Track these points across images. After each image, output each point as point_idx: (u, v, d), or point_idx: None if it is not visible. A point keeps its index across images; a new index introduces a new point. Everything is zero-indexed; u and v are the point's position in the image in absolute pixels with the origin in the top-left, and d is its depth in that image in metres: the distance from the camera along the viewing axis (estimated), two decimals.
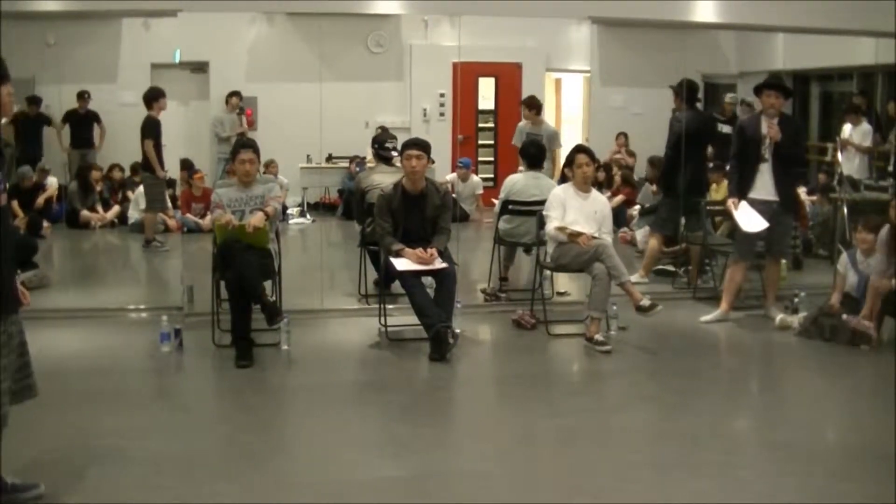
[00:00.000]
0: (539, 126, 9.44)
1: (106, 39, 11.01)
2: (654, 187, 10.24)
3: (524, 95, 12.79)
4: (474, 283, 8.58)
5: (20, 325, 4.18)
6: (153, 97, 9.80)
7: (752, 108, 9.77)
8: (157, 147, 9.93)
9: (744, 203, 7.26)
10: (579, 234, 6.84)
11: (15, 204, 9.99)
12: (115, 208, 11.40)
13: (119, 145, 10.83)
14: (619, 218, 10.31)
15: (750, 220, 7.19)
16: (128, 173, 11.30)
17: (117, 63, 11.20)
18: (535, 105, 9.54)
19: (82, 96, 10.87)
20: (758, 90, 7.34)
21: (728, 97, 10.96)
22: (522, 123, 9.62)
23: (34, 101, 10.84)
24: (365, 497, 4.26)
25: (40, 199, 10.96)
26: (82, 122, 11.07)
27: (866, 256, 6.96)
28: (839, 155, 10.63)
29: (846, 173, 10.28)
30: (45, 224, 10.93)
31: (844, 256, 7.18)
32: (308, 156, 11.90)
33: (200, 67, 11.71)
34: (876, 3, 8.54)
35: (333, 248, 10.98)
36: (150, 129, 9.84)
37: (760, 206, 7.23)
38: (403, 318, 7.03)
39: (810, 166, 11.23)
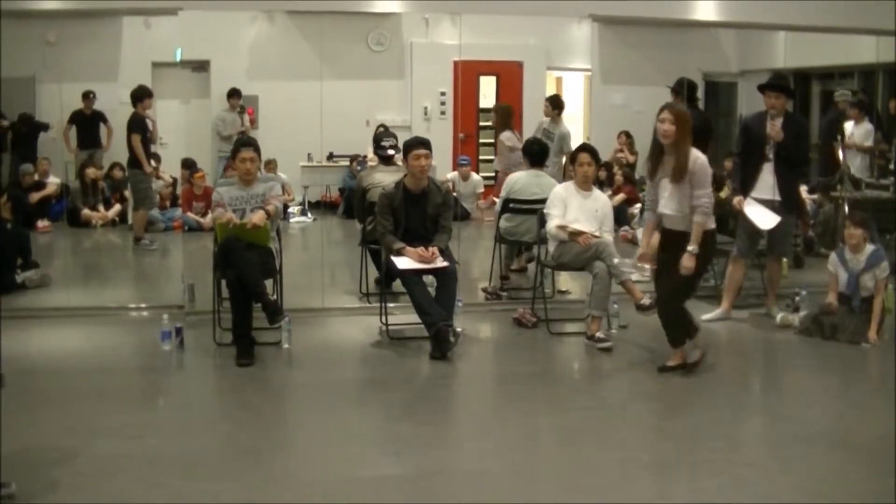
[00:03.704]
0: (558, 125, 9.67)
1: (107, 38, 11.02)
2: None
3: (525, 94, 12.89)
4: (475, 281, 8.58)
5: None
6: (139, 96, 9.82)
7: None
8: (145, 143, 9.94)
9: (750, 200, 7.26)
10: (580, 232, 6.84)
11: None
12: (116, 207, 11.41)
13: (120, 144, 10.82)
14: (620, 216, 10.30)
15: (762, 216, 7.19)
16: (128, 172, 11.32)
17: (118, 62, 11.21)
18: (557, 104, 9.81)
19: (87, 96, 10.88)
20: (761, 90, 7.35)
21: (838, 94, 10.82)
22: (545, 119, 9.83)
23: (29, 120, 10.85)
24: (366, 495, 4.27)
25: (35, 197, 10.96)
26: (89, 123, 11.08)
27: (855, 253, 6.96)
28: (840, 154, 10.62)
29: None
30: (46, 223, 10.95)
31: (833, 255, 7.19)
32: (309, 154, 11.91)
33: (201, 66, 11.72)
34: (876, 1, 8.54)
35: (334, 246, 10.99)
36: (137, 125, 9.87)
37: (762, 205, 7.24)
38: (404, 316, 7.04)
39: (811, 165, 11.23)
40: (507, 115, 9.62)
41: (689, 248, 5.78)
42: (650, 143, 6.03)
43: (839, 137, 9.90)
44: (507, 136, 9.42)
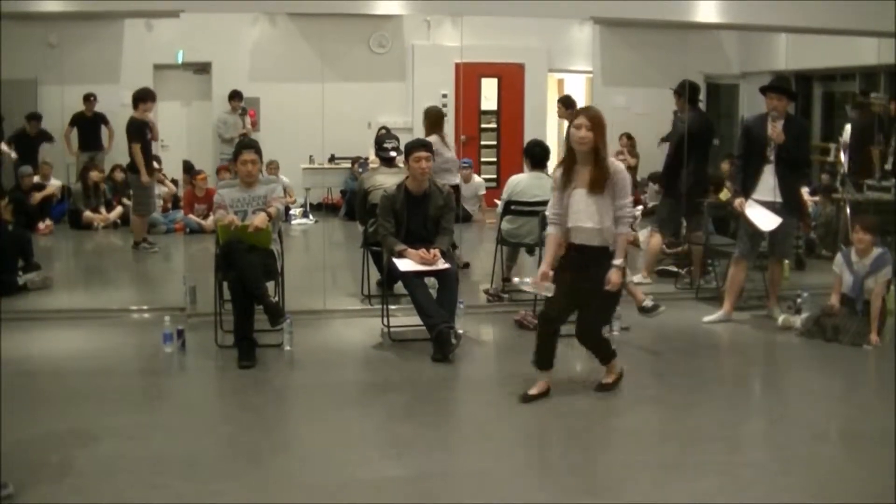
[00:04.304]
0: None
1: (108, 40, 11.04)
2: (657, 186, 10.26)
3: (527, 96, 12.90)
4: (477, 283, 8.59)
5: None
6: (140, 98, 9.74)
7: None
8: (145, 149, 9.92)
9: (751, 202, 7.27)
10: None
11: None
12: (118, 209, 11.43)
13: (121, 146, 10.84)
14: None
15: (763, 218, 7.20)
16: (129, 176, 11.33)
17: (119, 64, 11.22)
18: (570, 104, 9.82)
19: (88, 99, 10.88)
20: (763, 92, 7.35)
21: (874, 96, 10.80)
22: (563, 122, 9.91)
23: (34, 117, 10.85)
24: (367, 497, 4.26)
25: (37, 197, 10.97)
26: (90, 125, 11.09)
27: (861, 257, 6.96)
28: (842, 155, 10.63)
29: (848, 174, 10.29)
30: (48, 222, 10.96)
31: (839, 257, 7.20)
32: (311, 156, 11.92)
33: (203, 68, 11.73)
34: (877, 3, 8.54)
35: (336, 248, 10.99)
36: (136, 132, 9.82)
37: (763, 207, 7.25)
38: (406, 318, 7.04)
39: (812, 166, 11.24)
40: (432, 118, 9.34)
41: (616, 262, 5.35)
42: (565, 150, 5.51)
43: (840, 139, 9.92)
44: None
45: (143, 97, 9.77)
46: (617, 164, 5.41)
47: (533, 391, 5.53)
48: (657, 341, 7.02)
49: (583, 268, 5.41)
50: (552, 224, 5.52)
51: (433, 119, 9.30)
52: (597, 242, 5.38)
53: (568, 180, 5.39)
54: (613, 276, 5.35)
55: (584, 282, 5.39)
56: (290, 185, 11.54)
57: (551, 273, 5.44)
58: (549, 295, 5.44)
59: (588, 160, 5.32)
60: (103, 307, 7.78)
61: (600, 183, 5.28)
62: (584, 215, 5.34)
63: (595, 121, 5.32)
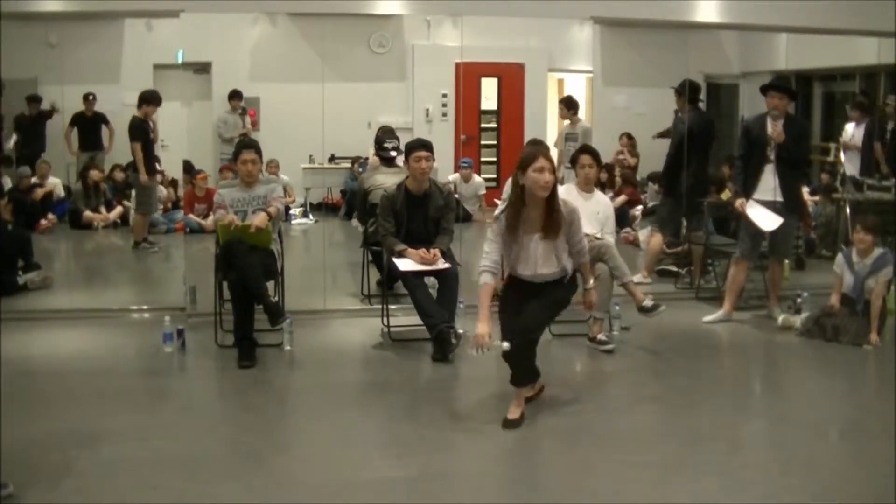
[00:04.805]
0: (576, 125, 9.74)
1: (108, 40, 11.02)
2: (657, 186, 10.26)
3: (527, 96, 12.89)
4: (477, 283, 8.56)
5: None
6: (144, 100, 9.72)
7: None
8: (147, 148, 9.90)
9: (752, 202, 7.27)
10: None
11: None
12: (118, 209, 11.42)
13: (121, 146, 10.83)
14: (622, 218, 10.30)
15: (764, 217, 7.20)
16: (131, 176, 11.31)
17: (120, 64, 11.20)
18: (572, 104, 9.86)
19: (87, 99, 10.88)
20: (764, 90, 7.36)
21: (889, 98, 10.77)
22: (564, 124, 9.98)
23: (34, 99, 10.84)
24: (367, 497, 4.27)
25: (38, 192, 10.95)
26: (90, 125, 11.08)
27: (862, 257, 6.96)
28: (842, 155, 10.62)
29: (849, 174, 10.28)
30: (50, 217, 10.95)
31: (840, 257, 7.20)
32: (311, 156, 11.91)
33: (203, 68, 11.72)
34: (877, 3, 8.54)
35: (336, 248, 10.98)
36: (138, 131, 9.80)
37: (764, 207, 7.25)
38: (406, 318, 7.04)
39: (813, 166, 11.23)
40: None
41: (588, 285, 5.36)
42: (511, 194, 5.11)
43: (840, 139, 9.90)
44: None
45: (149, 100, 9.77)
46: (569, 205, 5.14)
47: (526, 393, 5.48)
48: (657, 341, 7.02)
49: (535, 293, 5.19)
50: (488, 273, 5.09)
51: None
52: (552, 278, 5.18)
53: (516, 226, 5.03)
54: (592, 296, 5.44)
55: (534, 300, 5.17)
56: (290, 183, 11.54)
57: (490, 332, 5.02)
58: (497, 345, 5.02)
59: (541, 204, 4.98)
60: (103, 307, 7.79)
61: (556, 229, 5.00)
62: (542, 262, 5.08)
63: (552, 161, 4.98)
